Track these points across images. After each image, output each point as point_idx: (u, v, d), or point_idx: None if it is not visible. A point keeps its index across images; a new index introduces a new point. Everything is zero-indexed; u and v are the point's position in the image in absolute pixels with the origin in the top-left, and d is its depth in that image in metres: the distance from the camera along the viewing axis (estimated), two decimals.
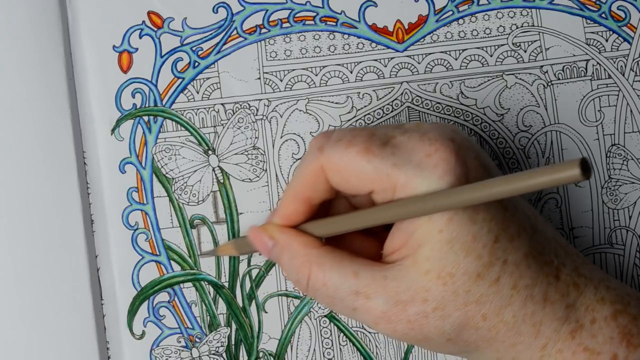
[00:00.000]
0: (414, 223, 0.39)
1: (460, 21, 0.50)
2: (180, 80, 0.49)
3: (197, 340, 0.49)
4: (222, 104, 0.49)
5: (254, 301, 0.49)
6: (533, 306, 0.40)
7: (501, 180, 0.36)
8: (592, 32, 0.50)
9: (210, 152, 0.49)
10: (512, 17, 0.50)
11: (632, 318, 0.41)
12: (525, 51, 0.50)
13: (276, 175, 0.49)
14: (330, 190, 0.42)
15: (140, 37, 0.49)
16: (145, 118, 0.49)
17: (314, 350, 0.49)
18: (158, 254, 0.49)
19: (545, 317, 0.40)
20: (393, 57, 0.50)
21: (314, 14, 0.50)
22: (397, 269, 0.40)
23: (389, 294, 0.40)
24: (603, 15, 0.50)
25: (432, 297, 0.39)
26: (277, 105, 0.49)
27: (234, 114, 0.49)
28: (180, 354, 0.49)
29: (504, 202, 0.40)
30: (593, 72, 0.50)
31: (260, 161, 0.49)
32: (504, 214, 0.40)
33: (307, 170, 0.42)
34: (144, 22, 0.49)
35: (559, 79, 0.50)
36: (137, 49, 0.49)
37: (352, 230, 0.42)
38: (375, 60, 0.50)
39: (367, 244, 0.44)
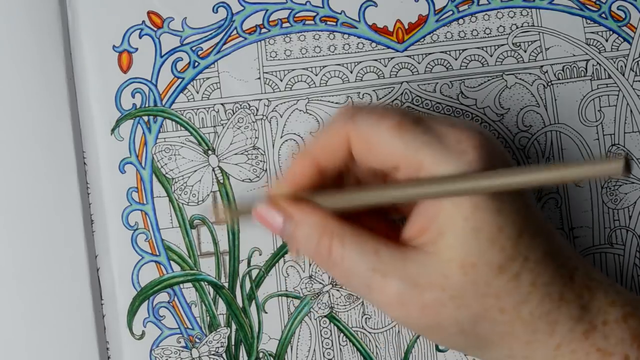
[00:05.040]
0: (437, 207, 0.39)
1: (460, 21, 0.50)
2: (180, 80, 0.49)
3: (197, 340, 0.49)
4: (222, 104, 0.49)
5: (254, 301, 0.49)
6: (550, 304, 0.40)
7: (537, 168, 0.35)
8: (592, 32, 0.50)
9: (210, 152, 0.49)
10: (512, 17, 0.50)
11: None
12: (525, 51, 0.50)
13: (276, 176, 0.49)
14: (345, 162, 0.42)
15: (140, 37, 0.49)
16: (145, 118, 0.49)
17: (314, 350, 0.49)
18: (158, 254, 0.49)
19: (560, 317, 0.40)
20: (393, 57, 0.50)
21: (314, 13, 0.50)
22: (419, 253, 0.39)
23: (407, 276, 0.39)
24: (603, 15, 0.50)
25: (451, 286, 0.39)
26: (277, 105, 0.49)
27: (233, 114, 0.49)
28: (180, 354, 0.48)
29: (525, 199, 0.40)
30: (593, 72, 0.50)
31: (260, 161, 0.49)
32: (527, 210, 0.40)
33: (332, 135, 0.41)
34: (143, 22, 0.49)
35: (559, 79, 0.50)
36: (137, 49, 0.49)
37: (373, 205, 0.41)
38: (375, 60, 0.50)
39: (383, 227, 0.43)
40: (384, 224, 0.44)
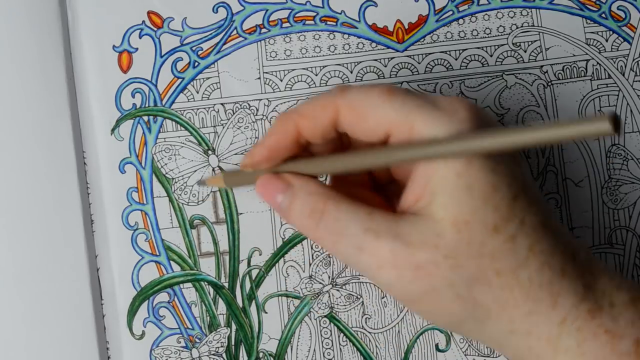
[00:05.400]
0: (430, 171, 0.38)
1: (460, 21, 0.50)
2: (180, 80, 0.49)
3: (197, 340, 0.49)
4: (222, 104, 0.49)
5: (254, 301, 0.49)
6: (550, 274, 0.38)
7: (529, 129, 0.35)
8: (592, 32, 0.50)
9: (210, 152, 0.49)
10: (512, 17, 0.50)
11: None
12: (525, 51, 0.50)
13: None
14: (325, 134, 0.42)
15: (140, 37, 0.49)
16: (145, 118, 0.49)
17: (314, 350, 0.49)
18: (158, 254, 0.49)
19: (562, 290, 0.38)
20: (393, 57, 0.50)
21: (314, 13, 0.50)
22: (413, 216, 0.39)
23: (400, 236, 0.38)
24: (603, 15, 0.50)
25: (444, 244, 0.38)
26: (277, 105, 0.49)
27: (233, 114, 0.49)
28: (180, 354, 0.48)
29: (522, 168, 0.40)
30: (593, 72, 0.50)
31: None
32: (524, 178, 0.39)
33: (320, 105, 0.41)
34: (143, 22, 0.49)
35: (559, 79, 0.50)
36: (137, 49, 0.49)
37: (365, 170, 0.41)
38: (375, 60, 0.50)
39: (375, 199, 0.44)
40: (380, 200, 0.44)
